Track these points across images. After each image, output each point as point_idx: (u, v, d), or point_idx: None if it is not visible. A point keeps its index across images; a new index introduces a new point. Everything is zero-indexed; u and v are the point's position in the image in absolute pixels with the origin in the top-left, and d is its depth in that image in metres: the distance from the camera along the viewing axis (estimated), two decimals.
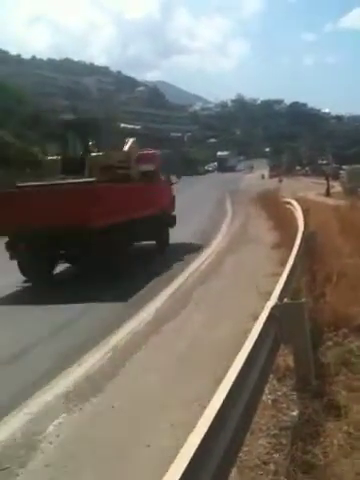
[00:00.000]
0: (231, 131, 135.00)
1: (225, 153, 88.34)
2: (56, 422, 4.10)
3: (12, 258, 9.63)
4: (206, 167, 79.49)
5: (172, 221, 13.79)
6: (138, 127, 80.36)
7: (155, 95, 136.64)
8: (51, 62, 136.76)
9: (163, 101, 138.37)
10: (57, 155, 11.94)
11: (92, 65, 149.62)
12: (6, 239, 9.67)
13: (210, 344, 5.62)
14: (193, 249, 12.53)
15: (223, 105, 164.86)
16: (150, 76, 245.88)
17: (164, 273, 9.91)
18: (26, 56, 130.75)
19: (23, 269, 9.80)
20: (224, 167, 78.69)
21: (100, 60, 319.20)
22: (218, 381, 4.26)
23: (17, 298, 8.92)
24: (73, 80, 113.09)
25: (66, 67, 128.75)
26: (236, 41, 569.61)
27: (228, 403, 2.26)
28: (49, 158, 12.77)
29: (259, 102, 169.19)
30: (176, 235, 13.85)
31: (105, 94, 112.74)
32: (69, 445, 3.77)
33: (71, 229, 8.71)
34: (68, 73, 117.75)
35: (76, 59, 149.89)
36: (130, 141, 12.32)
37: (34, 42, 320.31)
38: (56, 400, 4.53)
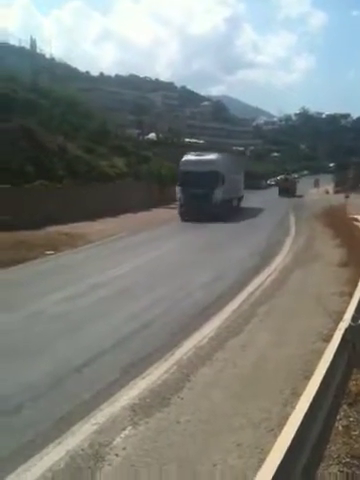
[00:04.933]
0: (295, 145, 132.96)
1: (199, 157, 26.17)
2: None
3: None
4: (268, 181, 76.66)
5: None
6: (201, 141, 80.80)
7: (219, 109, 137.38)
8: (118, 78, 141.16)
9: (227, 115, 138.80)
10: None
11: (157, 80, 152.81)
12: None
13: (277, 362, 5.49)
14: (256, 266, 12.25)
15: (287, 119, 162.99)
16: (214, 90, 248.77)
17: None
18: (94, 73, 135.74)
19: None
20: (195, 203, 23.87)
21: (165, 75, 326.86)
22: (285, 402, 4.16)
23: None
24: (139, 95, 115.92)
25: (132, 83, 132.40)
26: (301, 55, 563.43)
27: (303, 430, 2.17)
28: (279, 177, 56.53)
29: (324, 116, 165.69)
30: (236, 252, 14.41)
31: (170, 109, 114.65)
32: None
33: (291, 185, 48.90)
34: (134, 89, 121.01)
35: (142, 75, 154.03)
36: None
37: (102, 59, 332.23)
38: None
